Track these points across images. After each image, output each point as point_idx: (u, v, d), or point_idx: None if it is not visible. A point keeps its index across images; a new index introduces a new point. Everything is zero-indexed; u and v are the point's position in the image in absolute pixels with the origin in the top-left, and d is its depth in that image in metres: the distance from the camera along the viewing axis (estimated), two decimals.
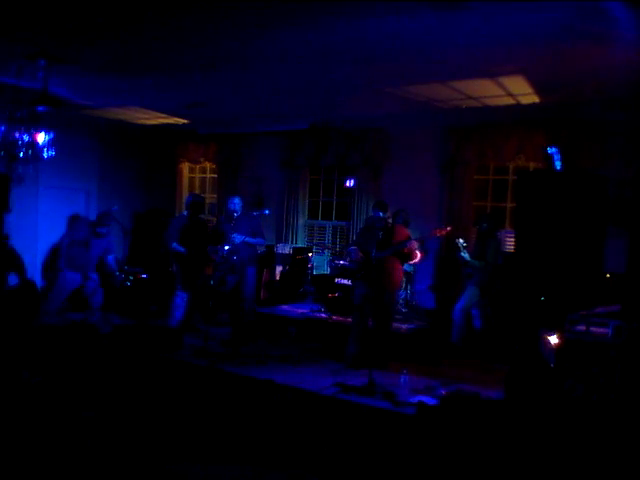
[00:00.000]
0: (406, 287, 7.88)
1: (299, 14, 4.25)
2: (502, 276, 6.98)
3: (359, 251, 6.22)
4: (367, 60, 5.39)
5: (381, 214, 6.23)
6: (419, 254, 7.26)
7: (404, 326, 7.05)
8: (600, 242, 4.68)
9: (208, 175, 11.05)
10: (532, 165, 7.67)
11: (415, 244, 6.24)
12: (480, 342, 6.76)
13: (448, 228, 6.34)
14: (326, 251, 9.17)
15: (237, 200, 6.95)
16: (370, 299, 5.98)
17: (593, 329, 4.21)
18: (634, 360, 3.99)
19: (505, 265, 7.00)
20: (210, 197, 10.97)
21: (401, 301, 7.65)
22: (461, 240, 6.76)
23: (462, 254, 6.75)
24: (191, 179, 11.30)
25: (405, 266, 6.77)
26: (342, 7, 4.05)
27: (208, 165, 10.85)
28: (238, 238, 6.73)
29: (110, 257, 7.69)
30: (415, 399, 5.00)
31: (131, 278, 8.14)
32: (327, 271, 9.03)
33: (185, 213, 7.61)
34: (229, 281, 6.95)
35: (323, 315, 7.60)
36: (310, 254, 8.92)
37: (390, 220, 6.28)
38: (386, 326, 6.22)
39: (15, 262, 7.93)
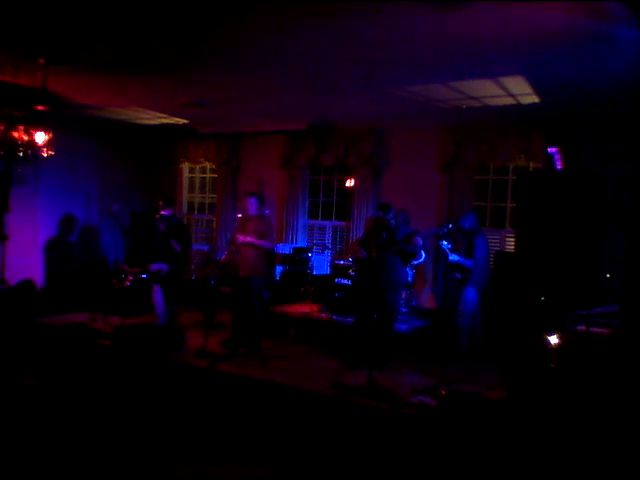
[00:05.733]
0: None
1: (299, 14, 4.25)
2: (495, 275, 6.95)
3: (362, 251, 6.21)
4: (367, 60, 5.39)
5: (381, 214, 6.22)
6: (423, 253, 7.24)
7: (404, 326, 7.04)
8: (600, 242, 4.67)
9: (208, 175, 11.05)
10: (532, 165, 7.67)
11: (420, 240, 6.19)
12: (480, 342, 6.76)
13: (449, 225, 6.31)
14: (326, 251, 9.16)
15: (253, 200, 6.63)
16: (372, 299, 5.98)
17: (593, 329, 4.21)
18: (634, 360, 3.98)
19: (503, 264, 6.99)
20: (210, 197, 10.98)
21: (401, 301, 7.65)
22: (444, 242, 6.61)
23: (450, 257, 6.55)
24: (191, 179, 11.30)
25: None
26: (342, 7, 4.05)
27: (208, 165, 10.86)
28: (242, 239, 6.54)
29: None
30: (415, 399, 5.00)
31: (130, 278, 8.12)
32: (327, 271, 9.04)
33: (168, 213, 7.49)
34: (233, 290, 6.75)
35: (323, 315, 7.60)
36: (310, 254, 8.91)
37: (393, 221, 6.27)
38: (388, 327, 6.21)
39: None
